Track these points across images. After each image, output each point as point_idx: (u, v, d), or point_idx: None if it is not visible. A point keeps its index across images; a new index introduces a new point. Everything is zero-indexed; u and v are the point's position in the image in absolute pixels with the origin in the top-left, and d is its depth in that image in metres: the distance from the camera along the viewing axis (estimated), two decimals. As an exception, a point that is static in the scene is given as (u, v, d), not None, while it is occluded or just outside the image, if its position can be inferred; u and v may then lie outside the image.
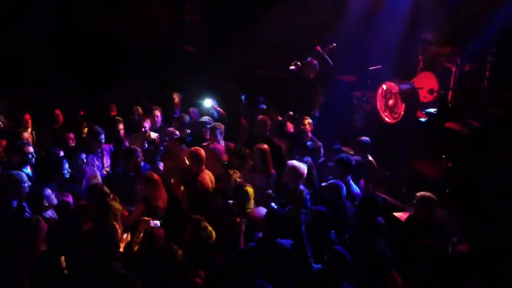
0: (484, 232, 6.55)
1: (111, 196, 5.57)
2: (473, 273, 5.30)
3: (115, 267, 4.34)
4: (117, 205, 5.33)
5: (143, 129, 8.17)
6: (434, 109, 9.27)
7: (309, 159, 6.67)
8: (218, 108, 8.65)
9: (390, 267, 4.53)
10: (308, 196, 5.97)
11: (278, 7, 10.90)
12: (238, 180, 6.06)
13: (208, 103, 8.61)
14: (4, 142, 6.88)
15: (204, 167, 6.53)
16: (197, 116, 8.96)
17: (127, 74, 10.77)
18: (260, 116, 7.93)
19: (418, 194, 5.66)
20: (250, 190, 5.66)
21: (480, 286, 5.43)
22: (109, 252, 4.35)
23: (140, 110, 8.95)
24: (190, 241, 4.88)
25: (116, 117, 8.22)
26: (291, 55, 9.74)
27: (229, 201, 5.78)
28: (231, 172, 6.19)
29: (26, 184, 5.42)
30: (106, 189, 5.60)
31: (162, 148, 7.46)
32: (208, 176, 6.49)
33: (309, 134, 7.77)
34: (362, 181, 6.72)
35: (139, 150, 6.73)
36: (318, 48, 9.28)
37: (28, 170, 6.16)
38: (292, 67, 9.20)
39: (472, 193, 7.45)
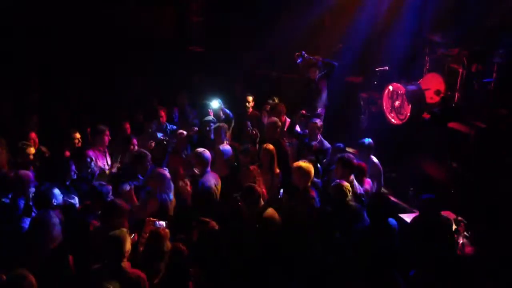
0: (490, 234, 6.53)
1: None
2: (481, 277, 5.28)
3: (123, 267, 4.32)
4: (123, 204, 5.31)
5: (150, 130, 8.18)
6: (437, 108, 9.22)
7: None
8: (226, 110, 8.63)
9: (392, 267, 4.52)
10: (318, 198, 5.95)
11: (283, 8, 10.89)
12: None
13: (215, 104, 8.59)
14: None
15: (208, 168, 6.50)
16: (194, 115, 8.98)
17: (131, 74, 10.78)
18: (272, 118, 7.89)
19: (422, 195, 5.67)
20: (260, 190, 5.59)
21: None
22: (116, 252, 4.33)
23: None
24: (196, 242, 4.89)
25: (122, 118, 8.25)
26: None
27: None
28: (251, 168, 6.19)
29: (33, 184, 5.44)
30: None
31: (170, 149, 7.48)
32: (212, 178, 6.46)
33: (319, 135, 7.78)
34: (366, 182, 6.68)
35: (149, 155, 6.71)
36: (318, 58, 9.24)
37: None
38: (299, 59, 9.12)
39: (479, 195, 7.41)
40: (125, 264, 4.38)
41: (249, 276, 4.64)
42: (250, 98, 9.15)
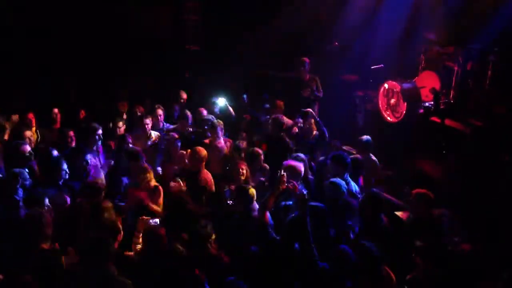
0: (487, 232, 6.54)
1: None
2: (478, 274, 5.28)
3: (110, 269, 4.25)
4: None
5: (146, 127, 8.22)
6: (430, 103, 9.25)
7: (300, 155, 6.69)
8: (229, 108, 8.67)
9: (378, 263, 4.53)
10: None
11: (279, 7, 10.93)
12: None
13: (221, 101, 8.63)
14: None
15: (203, 166, 6.54)
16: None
17: (129, 73, 10.81)
18: (277, 116, 7.93)
19: (413, 191, 5.67)
20: (252, 191, 5.57)
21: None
22: (105, 251, 4.28)
23: (141, 108, 9.00)
24: (189, 240, 4.92)
25: (117, 115, 8.28)
26: (292, 55, 9.76)
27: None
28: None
29: (28, 182, 5.46)
30: (101, 185, 5.67)
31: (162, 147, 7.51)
32: (207, 176, 6.52)
33: (314, 131, 7.82)
34: (361, 179, 6.71)
35: (142, 151, 6.76)
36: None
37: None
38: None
39: (474, 192, 7.43)
40: (110, 267, 4.26)
41: (247, 276, 4.63)
42: (245, 96, 9.22)
